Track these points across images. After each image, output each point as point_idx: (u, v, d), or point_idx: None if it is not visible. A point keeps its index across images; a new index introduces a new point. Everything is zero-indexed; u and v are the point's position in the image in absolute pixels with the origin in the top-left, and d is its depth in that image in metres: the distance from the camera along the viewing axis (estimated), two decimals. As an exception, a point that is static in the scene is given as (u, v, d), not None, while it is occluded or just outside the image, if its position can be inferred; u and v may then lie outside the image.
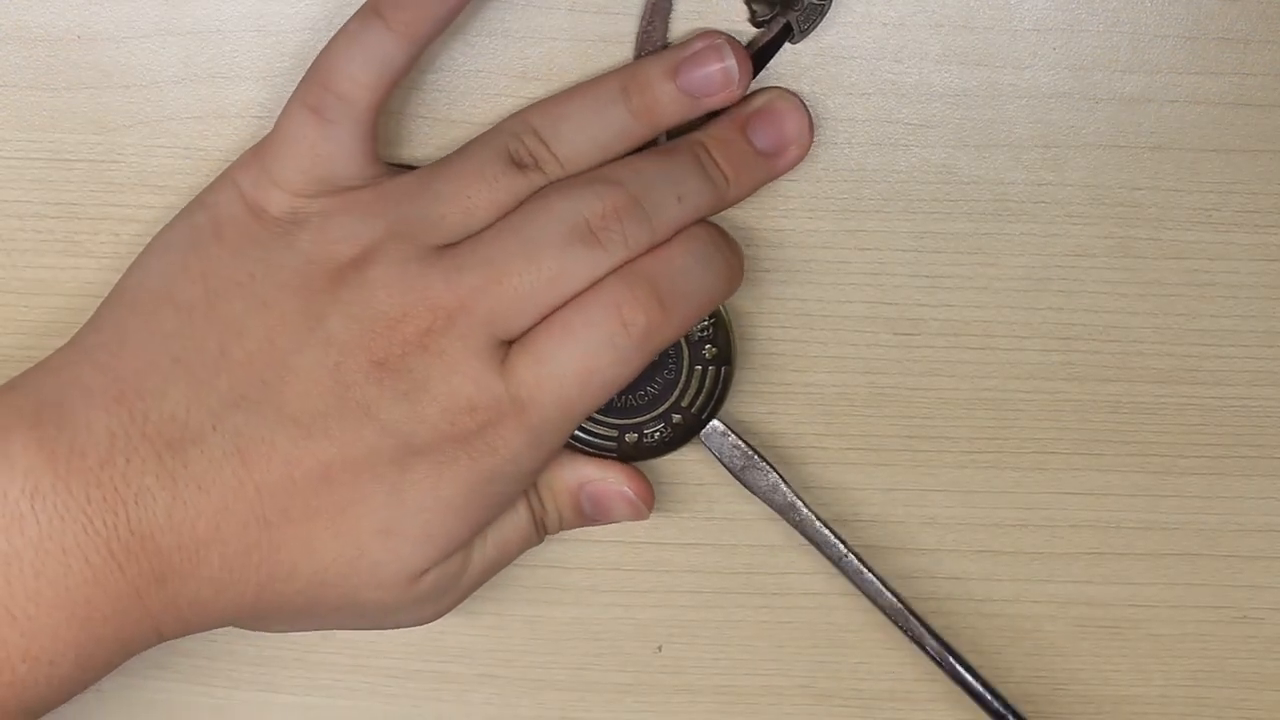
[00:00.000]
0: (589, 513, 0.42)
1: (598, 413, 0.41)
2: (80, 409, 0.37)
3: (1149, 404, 0.44)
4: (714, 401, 0.42)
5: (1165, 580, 0.46)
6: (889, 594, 0.43)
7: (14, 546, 0.36)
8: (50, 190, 0.42)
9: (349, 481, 0.37)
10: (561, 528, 0.42)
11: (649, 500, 0.42)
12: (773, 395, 0.44)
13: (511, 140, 0.39)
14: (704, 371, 0.41)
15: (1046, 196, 0.42)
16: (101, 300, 0.39)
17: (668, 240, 0.39)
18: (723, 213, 0.41)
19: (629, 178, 0.39)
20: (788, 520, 0.43)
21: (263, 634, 0.44)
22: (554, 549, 0.45)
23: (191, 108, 0.41)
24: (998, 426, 0.44)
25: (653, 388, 0.41)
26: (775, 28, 0.40)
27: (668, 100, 0.39)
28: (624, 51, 0.40)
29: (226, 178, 0.40)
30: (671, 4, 0.40)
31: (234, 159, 0.41)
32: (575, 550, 0.46)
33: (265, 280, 0.38)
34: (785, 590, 0.45)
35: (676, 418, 0.42)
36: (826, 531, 0.43)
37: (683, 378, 0.41)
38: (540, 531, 0.42)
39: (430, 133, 0.41)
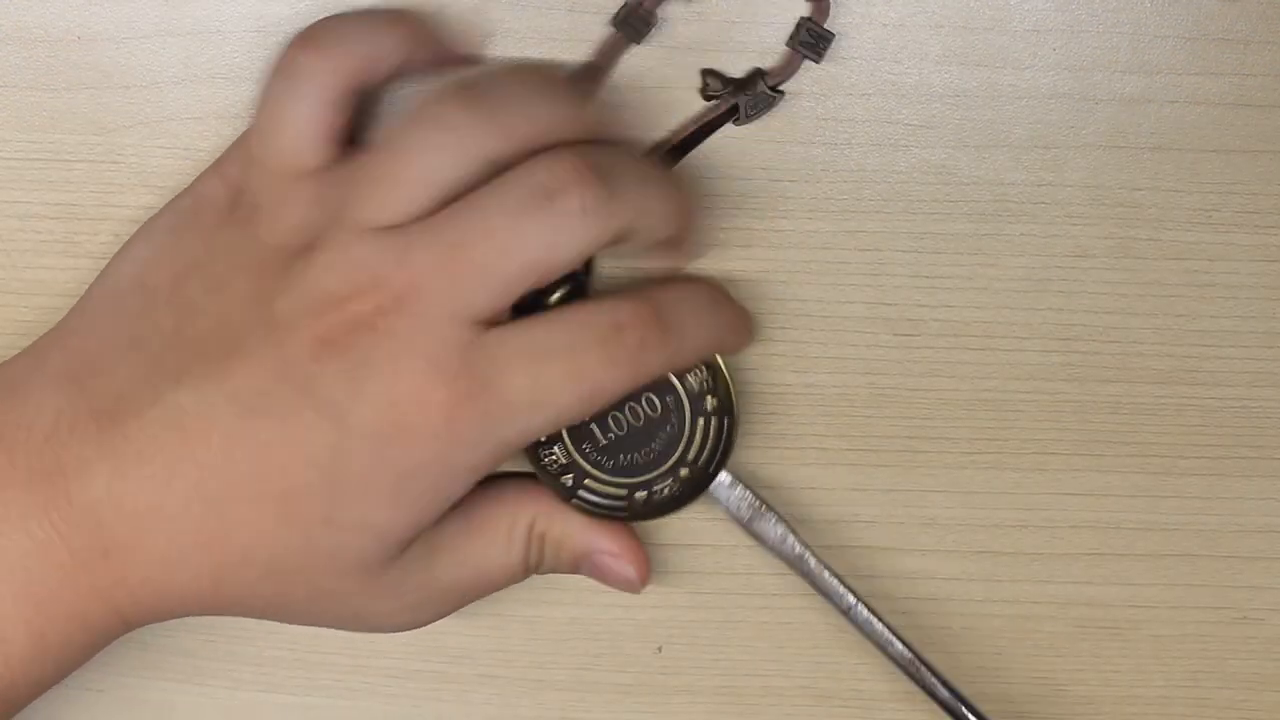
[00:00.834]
0: (585, 573, 0.42)
1: (606, 473, 0.41)
2: (35, 388, 0.38)
3: (1149, 405, 0.44)
4: (720, 453, 0.41)
5: (1165, 581, 0.46)
6: (899, 644, 0.42)
7: None
8: (50, 190, 0.42)
9: (287, 465, 0.36)
10: (552, 572, 0.42)
11: (646, 581, 0.42)
12: (773, 396, 0.44)
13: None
14: (707, 424, 0.41)
15: (1046, 197, 0.42)
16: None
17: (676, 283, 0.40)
18: (723, 213, 0.41)
19: (584, 150, 0.37)
20: (797, 571, 0.42)
21: (263, 634, 0.44)
22: (554, 549, 0.45)
23: (191, 108, 0.41)
24: (998, 427, 0.44)
25: (656, 444, 0.41)
26: (723, 107, 0.41)
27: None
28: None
29: (214, 164, 0.40)
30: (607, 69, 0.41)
31: (234, 159, 0.41)
32: (575, 550, 0.46)
33: (224, 262, 0.38)
34: (785, 590, 0.45)
35: (684, 472, 0.41)
36: (835, 582, 0.42)
37: (686, 431, 0.41)
38: (528, 573, 0.41)
39: (430, 133, 0.41)
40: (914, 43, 0.41)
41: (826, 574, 0.42)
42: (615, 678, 0.47)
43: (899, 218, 0.42)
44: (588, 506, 0.41)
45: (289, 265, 0.37)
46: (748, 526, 0.42)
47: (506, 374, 0.36)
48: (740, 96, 0.41)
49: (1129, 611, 0.46)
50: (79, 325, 0.39)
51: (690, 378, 0.40)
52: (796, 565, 0.42)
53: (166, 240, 0.40)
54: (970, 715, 0.42)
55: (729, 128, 0.41)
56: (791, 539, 0.42)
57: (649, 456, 0.41)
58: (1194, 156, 0.42)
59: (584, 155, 0.37)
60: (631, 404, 0.40)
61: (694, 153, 0.42)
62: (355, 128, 0.39)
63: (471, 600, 0.41)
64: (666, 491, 0.41)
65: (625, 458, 0.41)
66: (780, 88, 0.41)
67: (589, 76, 0.41)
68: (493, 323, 0.37)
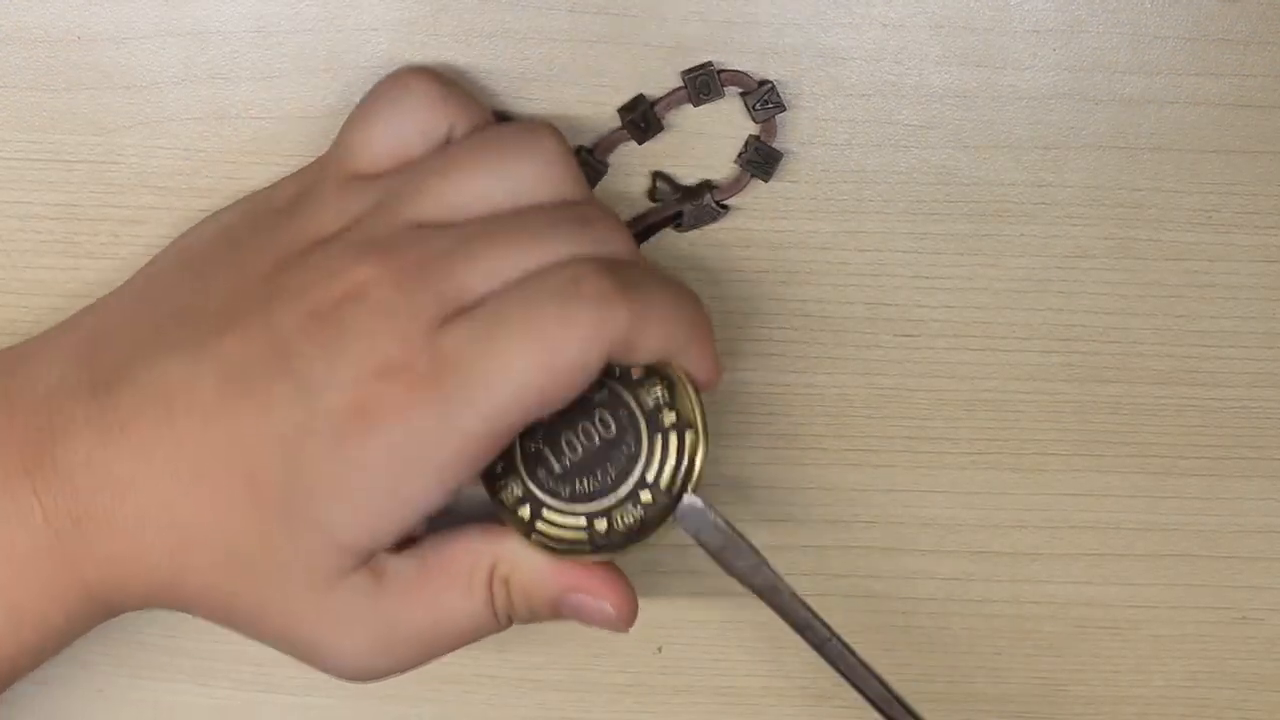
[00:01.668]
0: (566, 616, 0.40)
1: (562, 501, 0.38)
2: (50, 354, 0.38)
3: (1149, 405, 0.44)
4: (684, 475, 0.38)
5: (1165, 581, 0.46)
6: (875, 681, 0.39)
7: None
8: (50, 191, 0.42)
9: (256, 445, 0.36)
10: (535, 621, 0.40)
11: (631, 616, 0.40)
12: (773, 396, 0.44)
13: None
14: (665, 442, 0.38)
15: (1046, 197, 0.42)
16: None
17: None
18: (723, 216, 0.41)
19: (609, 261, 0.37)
20: (767, 602, 0.39)
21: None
22: (554, 549, 0.45)
23: (191, 109, 0.41)
24: (998, 428, 0.44)
25: (613, 466, 0.38)
26: (667, 212, 0.41)
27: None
28: (624, 51, 0.40)
29: (296, 171, 0.41)
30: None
31: (234, 159, 0.41)
32: (575, 550, 0.46)
33: (253, 246, 0.38)
34: (785, 590, 0.45)
35: (645, 495, 0.38)
36: (808, 615, 0.39)
37: (644, 451, 0.38)
38: (502, 622, 0.39)
39: (430, 133, 0.41)
40: (914, 43, 0.41)
41: (801, 609, 0.39)
42: (615, 678, 0.47)
43: (899, 218, 0.42)
44: (549, 542, 0.39)
45: (311, 247, 0.37)
46: (717, 556, 0.39)
47: (462, 349, 0.35)
48: (686, 205, 0.41)
49: (1129, 611, 0.46)
50: (110, 301, 0.40)
51: (644, 393, 0.38)
52: (768, 597, 0.39)
53: (215, 231, 0.40)
54: None
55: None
56: (765, 569, 0.39)
57: (606, 481, 0.38)
58: (1194, 156, 0.42)
59: (609, 261, 0.37)
60: (584, 424, 0.38)
61: (694, 153, 0.42)
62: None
63: (439, 652, 0.39)
64: (628, 518, 0.38)
65: (582, 484, 0.38)
66: (726, 204, 0.41)
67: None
68: None
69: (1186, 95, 0.41)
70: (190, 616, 0.39)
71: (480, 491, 0.39)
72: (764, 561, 0.39)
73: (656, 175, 0.42)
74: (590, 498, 0.38)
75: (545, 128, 0.39)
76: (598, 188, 0.41)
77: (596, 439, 0.38)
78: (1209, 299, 0.43)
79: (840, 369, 0.44)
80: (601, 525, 0.38)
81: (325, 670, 0.39)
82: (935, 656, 0.46)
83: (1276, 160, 0.42)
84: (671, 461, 0.38)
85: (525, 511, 0.39)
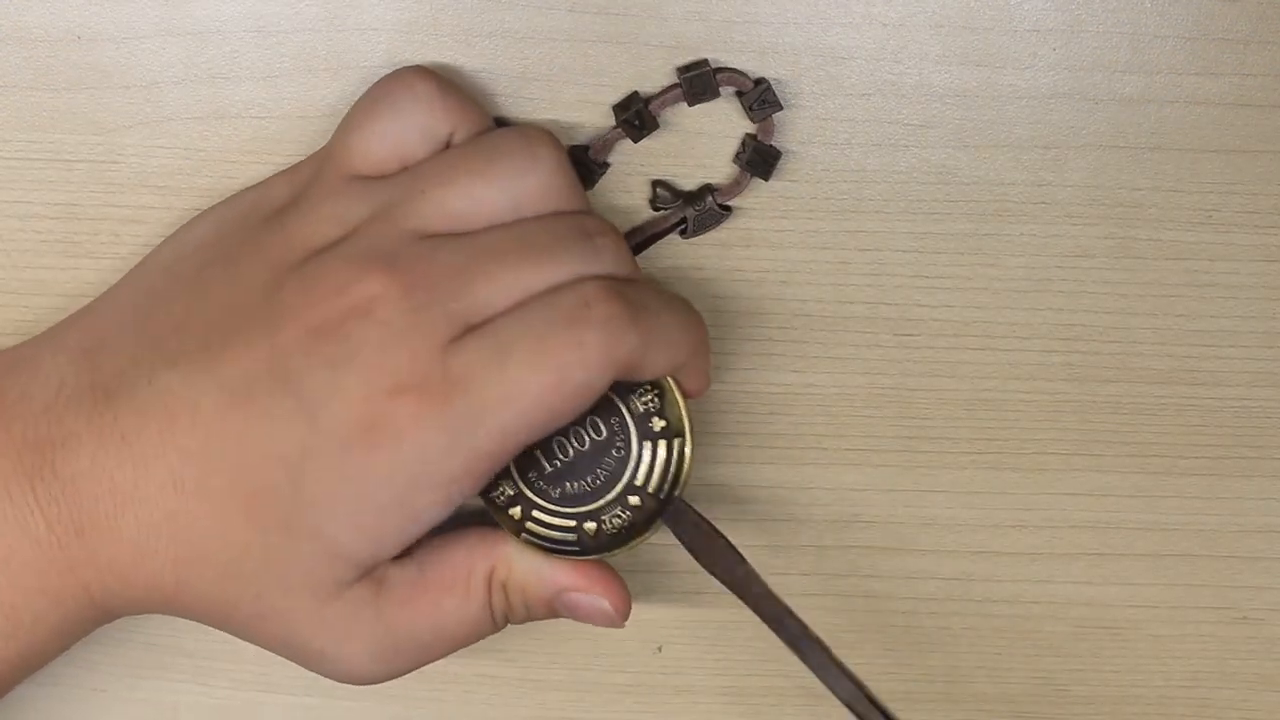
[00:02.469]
0: (562, 614, 0.40)
1: (553, 503, 0.39)
2: (46, 361, 0.38)
3: (1149, 405, 0.44)
4: (672, 480, 0.39)
5: (1165, 581, 0.46)
6: (848, 680, 0.40)
7: None
8: (50, 190, 0.42)
9: (258, 460, 0.36)
10: (531, 620, 0.40)
11: (625, 612, 0.40)
12: (773, 396, 0.44)
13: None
14: (654, 448, 0.39)
15: (1046, 197, 0.42)
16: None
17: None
18: (727, 217, 0.41)
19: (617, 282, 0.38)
20: (744, 599, 0.40)
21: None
22: (554, 549, 0.45)
23: (192, 108, 0.41)
24: (998, 427, 0.44)
25: (603, 470, 0.39)
26: (671, 220, 0.41)
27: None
28: (624, 51, 0.40)
29: (289, 168, 0.41)
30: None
31: (234, 159, 0.41)
32: (575, 550, 0.46)
33: (249, 254, 0.38)
34: (785, 591, 0.45)
35: (633, 500, 0.39)
36: (783, 611, 0.40)
37: (633, 456, 0.39)
38: (499, 625, 0.40)
39: (430, 133, 0.41)
40: (914, 43, 0.41)
41: (776, 605, 0.40)
42: (615, 677, 0.47)
43: (899, 218, 0.42)
44: (538, 541, 0.39)
45: (310, 258, 0.37)
46: (698, 555, 0.39)
47: (473, 368, 0.35)
48: (688, 210, 0.41)
49: (1129, 611, 0.46)
50: (102, 306, 0.40)
51: (635, 399, 0.39)
52: (745, 595, 0.40)
53: (209, 232, 0.40)
54: None
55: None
56: (743, 568, 0.40)
57: (595, 484, 0.39)
58: (1194, 156, 0.42)
59: (617, 283, 0.37)
60: (576, 428, 0.39)
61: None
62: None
63: (437, 655, 0.39)
64: (617, 522, 0.39)
65: (572, 486, 0.39)
66: (728, 205, 0.41)
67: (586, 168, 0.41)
68: None
69: (1186, 95, 0.41)
70: (191, 616, 0.39)
71: (473, 499, 0.40)
72: (743, 561, 0.39)
73: (657, 183, 0.42)
74: (580, 500, 0.39)
75: (543, 135, 0.39)
76: (597, 187, 0.41)
77: (587, 443, 0.39)
78: (1209, 299, 0.43)
79: (840, 369, 0.44)
80: (590, 527, 0.39)
81: (324, 675, 0.39)
82: (935, 656, 0.46)
83: (1276, 160, 0.42)
84: (660, 467, 0.39)
85: (516, 511, 0.39)
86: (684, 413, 0.39)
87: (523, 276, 0.36)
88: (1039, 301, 0.43)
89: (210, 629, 0.39)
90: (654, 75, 0.41)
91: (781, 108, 0.40)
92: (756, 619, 0.46)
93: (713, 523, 0.39)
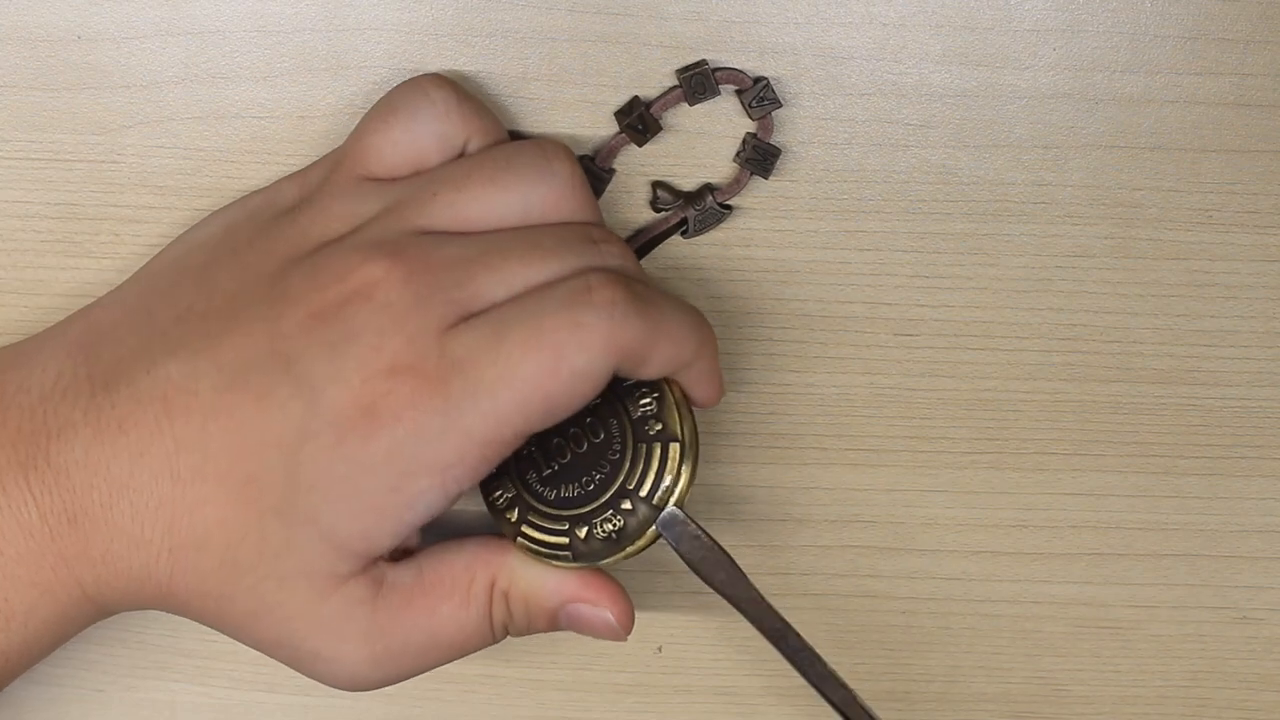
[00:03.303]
0: (564, 626, 0.40)
1: (548, 505, 0.39)
2: (47, 353, 0.38)
3: (1149, 405, 0.44)
4: (666, 487, 0.38)
5: (1165, 580, 0.46)
6: (843, 691, 0.40)
7: None
8: (50, 190, 0.42)
9: (255, 447, 0.36)
10: (531, 632, 0.40)
11: (629, 624, 0.40)
12: (773, 396, 0.44)
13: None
14: (650, 453, 0.38)
15: (1046, 197, 0.42)
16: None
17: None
18: (728, 217, 0.41)
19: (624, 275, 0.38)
20: (742, 613, 0.39)
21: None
22: (554, 549, 0.45)
23: (191, 108, 0.41)
24: (998, 427, 0.44)
25: (598, 474, 0.38)
26: (672, 220, 0.41)
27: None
28: (624, 51, 0.40)
29: (300, 170, 0.41)
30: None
31: (234, 159, 0.41)
32: (575, 550, 0.46)
33: (257, 248, 0.38)
34: (785, 591, 0.45)
35: (626, 505, 0.38)
36: (783, 625, 0.39)
37: (628, 459, 0.38)
38: (498, 635, 0.39)
39: (430, 133, 0.41)
40: (914, 43, 0.41)
41: (776, 620, 0.39)
42: (615, 677, 0.47)
43: (899, 218, 0.42)
44: (532, 545, 0.39)
45: (318, 249, 0.37)
46: (696, 567, 0.39)
47: (470, 351, 0.35)
48: (689, 210, 0.41)
49: (1129, 611, 0.46)
50: (107, 302, 0.40)
51: (633, 403, 0.38)
52: (744, 608, 0.39)
53: (217, 230, 0.40)
54: None
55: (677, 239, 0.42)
56: (742, 582, 0.39)
57: (590, 488, 0.38)
58: (1194, 156, 0.42)
59: (623, 274, 0.37)
60: (575, 430, 0.39)
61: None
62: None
63: (431, 664, 0.39)
64: (608, 527, 0.38)
65: (568, 489, 0.39)
66: (729, 204, 0.41)
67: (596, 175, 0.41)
68: None
69: (1186, 95, 0.41)
70: (191, 616, 0.39)
71: (475, 504, 0.40)
72: (740, 572, 0.39)
73: (656, 184, 0.42)
74: (574, 504, 0.39)
75: (560, 149, 0.39)
76: (605, 194, 0.41)
77: (585, 445, 0.39)
78: (1209, 299, 0.43)
79: (840, 369, 0.44)
80: (582, 532, 0.39)
81: (318, 678, 0.39)
82: (935, 656, 0.46)
83: (1276, 160, 0.42)
84: (654, 473, 0.38)
85: (514, 514, 0.39)
86: (682, 420, 0.38)
87: (525, 270, 0.36)
88: (1039, 301, 0.43)
89: (209, 629, 0.39)
90: (653, 75, 0.41)
91: (781, 105, 0.41)
92: (756, 619, 0.46)
93: (711, 534, 0.39)
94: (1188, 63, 0.41)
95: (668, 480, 0.38)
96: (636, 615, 0.46)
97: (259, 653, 0.39)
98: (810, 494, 0.45)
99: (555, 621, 0.40)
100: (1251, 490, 0.45)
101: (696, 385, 0.39)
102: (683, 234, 0.42)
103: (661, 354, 0.37)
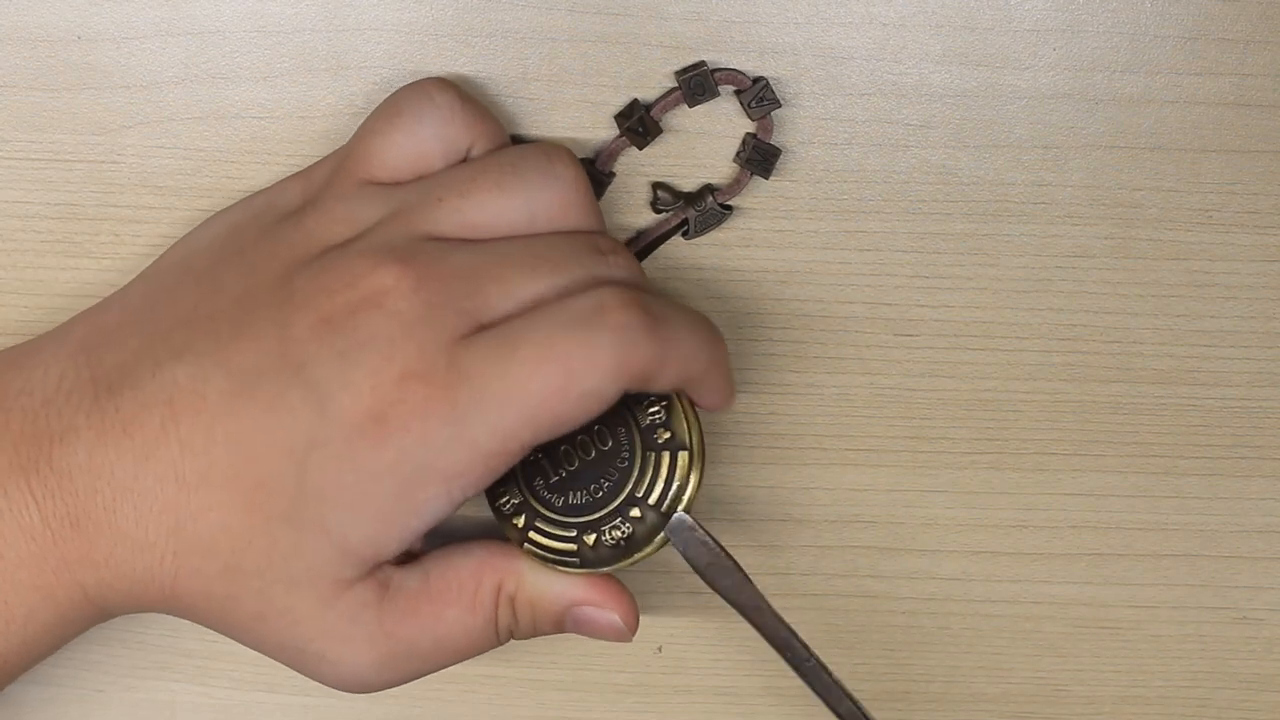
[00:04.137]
0: (569, 629, 0.40)
1: (555, 512, 0.39)
2: (49, 355, 0.38)
3: (1149, 405, 0.44)
4: (675, 494, 0.39)
5: (1165, 580, 0.46)
6: (849, 701, 0.40)
7: None
8: (50, 190, 0.42)
9: (264, 453, 0.36)
10: (535, 635, 0.40)
11: (635, 625, 0.40)
12: (773, 396, 0.44)
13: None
14: (658, 461, 0.39)
15: (1046, 197, 0.42)
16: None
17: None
18: (728, 217, 0.41)
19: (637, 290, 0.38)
20: (749, 620, 0.40)
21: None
22: (554, 549, 0.45)
23: (191, 108, 0.41)
24: (998, 427, 0.44)
25: (607, 481, 0.39)
26: (673, 221, 0.41)
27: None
28: (624, 52, 0.40)
29: (303, 170, 0.40)
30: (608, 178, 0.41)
31: (234, 159, 0.41)
32: (575, 550, 0.46)
33: (262, 250, 0.38)
34: (785, 591, 0.45)
35: (635, 512, 0.39)
36: (789, 634, 0.40)
37: (637, 467, 0.39)
38: (502, 638, 0.39)
39: (430, 133, 0.41)
40: (914, 43, 0.41)
41: (782, 628, 0.39)
42: (615, 677, 0.47)
43: (899, 218, 0.42)
44: (539, 552, 0.39)
45: (322, 254, 0.37)
46: (703, 573, 0.39)
47: (479, 364, 0.35)
48: (690, 211, 0.41)
49: (1129, 611, 0.46)
50: (111, 303, 0.40)
51: (642, 411, 0.39)
52: (750, 616, 0.39)
53: (221, 231, 0.40)
54: None
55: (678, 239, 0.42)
56: (749, 589, 0.39)
57: (598, 495, 0.39)
58: (1194, 156, 0.42)
59: (637, 291, 0.37)
60: (583, 438, 0.39)
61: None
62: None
63: (434, 667, 0.39)
64: (616, 534, 0.39)
65: (575, 496, 0.39)
66: (729, 204, 0.41)
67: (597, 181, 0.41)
68: None
69: (1186, 95, 0.41)
70: (190, 616, 0.39)
71: (481, 509, 0.40)
72: (748, 580, 0.39)
73: (657, 185, 0.42)
74: (581, 510, 0.39)
75: (563, 153, 0.39)
76: (605, 197, 0.41)
77: (593, 452, 0.39)
78: (1209, 299, 0.43)
79: (840, 369, 0.44)
80: (590, 539, 0.39)
81: (322, 681, 0.39)
82: (935, 656, 0.46)
83: (1276, 160, 0.42)
84: (663, 480, 0.39)
85: (520, 520, 0.39)
86: (691, 428, 0.38)
87: (534, 283, 0.36)
88: (1039, 301, 0.43)
89: (209, 630, 0.39)
90: (653, 76, 0.41)
91: (780, 104, 0.41)
92: (756, 619, 0.46)
93: (718, 540, 0.39)
94: (1188, 63, 0.41)
95: (675, 487, 0.39)
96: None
97: (258, 654, 0.39)
98: (810, 494, 0.45)
99: (561, 625, 0.40)
100: (1251, 490, 0.45)
101: (706, 395, 0.39)
102: (683, 235, 0.42)
103: (672, 372, 0.37)
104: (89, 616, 0.38)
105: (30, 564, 0.36)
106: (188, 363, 0.36)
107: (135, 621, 0.46)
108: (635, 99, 0.41)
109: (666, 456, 0.39)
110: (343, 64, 0.41)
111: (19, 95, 0.41)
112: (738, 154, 0.41)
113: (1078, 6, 0.40)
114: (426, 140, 0.38)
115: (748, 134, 0.41)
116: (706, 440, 0.39)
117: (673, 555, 0.42)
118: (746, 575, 0.39)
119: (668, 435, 0.39)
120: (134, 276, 0.40)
